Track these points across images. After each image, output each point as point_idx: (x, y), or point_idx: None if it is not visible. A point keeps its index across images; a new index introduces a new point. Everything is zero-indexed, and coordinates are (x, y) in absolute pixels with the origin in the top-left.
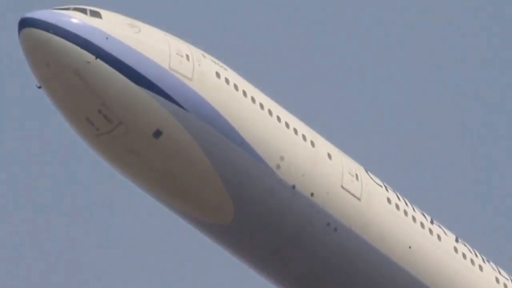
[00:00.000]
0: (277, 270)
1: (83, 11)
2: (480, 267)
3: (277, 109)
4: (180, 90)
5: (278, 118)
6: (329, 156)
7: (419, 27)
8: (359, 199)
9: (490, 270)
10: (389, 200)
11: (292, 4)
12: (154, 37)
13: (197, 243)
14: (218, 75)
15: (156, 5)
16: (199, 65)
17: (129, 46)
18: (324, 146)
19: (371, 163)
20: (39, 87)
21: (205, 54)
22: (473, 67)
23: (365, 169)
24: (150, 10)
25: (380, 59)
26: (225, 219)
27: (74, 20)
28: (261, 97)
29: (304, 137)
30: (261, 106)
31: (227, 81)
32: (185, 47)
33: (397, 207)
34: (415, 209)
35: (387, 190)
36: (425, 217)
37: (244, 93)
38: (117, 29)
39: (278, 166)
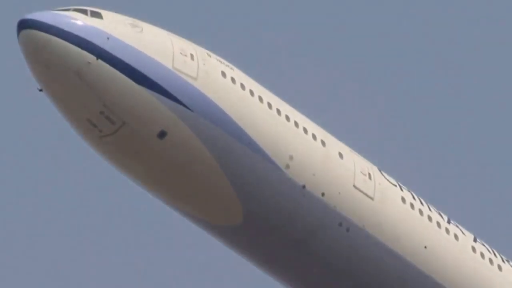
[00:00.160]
0: (287, 272)
1: (84, 11)
2: (499, 267)
3: (286, 108)
4: (184, 90)
5: (287, 117)
6: (341, 155)
7: (439, 22)
8: (372, 198)
9: (509, 269)
10: (403, 199)
11: (301, 1)
12: (157, 37)
13: (204, 244)
14: (224, 74)
15: (159, 6)
16: (203, 64)
17: (131, 46)
18: (335, 145)
19: (387, 163)
20: (41, 90)
21: (211, 53)
22: (488, 65)
23: (378, 169)
24: (153, 11)
25: (392, 56)
26: (234, 220)
27: (74, 20)
28: (269, 96)
29: (314, 136)
30: (269, 105)
31: (233, 80)
32: (189, 46)
33: (412, 206)
34: (431, 208)
35: (401, 189)
36: (441, 216)
37: (251, 92)
38: (118, 29)
39: (287, 166)
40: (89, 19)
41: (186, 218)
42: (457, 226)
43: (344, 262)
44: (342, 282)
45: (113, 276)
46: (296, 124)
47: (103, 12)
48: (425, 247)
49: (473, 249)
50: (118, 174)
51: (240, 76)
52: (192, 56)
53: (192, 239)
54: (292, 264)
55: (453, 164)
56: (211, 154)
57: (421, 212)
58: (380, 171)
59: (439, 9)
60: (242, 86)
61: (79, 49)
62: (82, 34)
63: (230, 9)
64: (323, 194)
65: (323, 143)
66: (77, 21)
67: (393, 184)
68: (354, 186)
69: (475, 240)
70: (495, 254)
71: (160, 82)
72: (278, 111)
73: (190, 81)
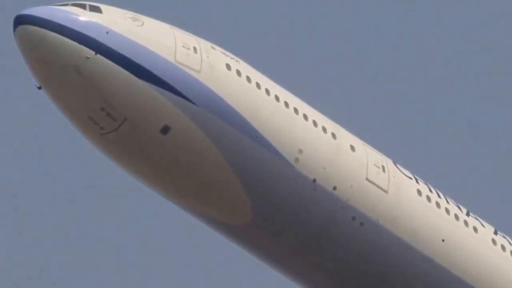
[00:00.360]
0: (300, 269)
1: (82, 6)
2: None
3: (294, 101)
4: (187, 83)
5: (296, 110)
6: (352, 148)
7: (453, 18)
8: (386, 191)
9: None
10: (419, 192)
11: None
12: (158, 30)
13: (210, 242)
14: (228, 67)
15: (162, 1)
16: (207, 57)
17: (131, 39)
18: (347, 138)
19: (406, 158)
20: (39, 88)
21: (215, 46)
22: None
23: (393, 162)
24: (155, 5)
25: (401, 51)
26: (243, 217)
27: (72, 15)
28: (276, 89)
29: (324, 129)
30: (277, 98)
31: (238, 73)
32: (192, 39)
33: (429, 199)
34: (449, 201)
35: (417, 182)
36: (460, 209)
37: (258, 85)
38: (118, 23)
39: (297, 160)
40: (88, 13)
41: (193, 216)
42: (476, 218)
43: (358, 258)
44: (357, 278)
45: (113, 276)
46: (305, 117)
47: (103, 6)
48: (443, 240)
49: (494, 241)
50: (121, 172)
51: (246, 68)
52: (195, 49)
53: (197, 237)
54: (305, 261)
55: (475, 158)
56: (217, 149)
57: (438, 204)
58: (395, 164)
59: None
60: (248, 79)
61: (77, 44)
62: (79, 29)
63: (235, 2)
64: (335, 188)
65: (333, 135)
66: (75, 16)
67: (408, 177)
68: (367, 179)
69: (495, 233)
70: None
71: (162, 76)
72: (286, 104)
73: (193, 74)
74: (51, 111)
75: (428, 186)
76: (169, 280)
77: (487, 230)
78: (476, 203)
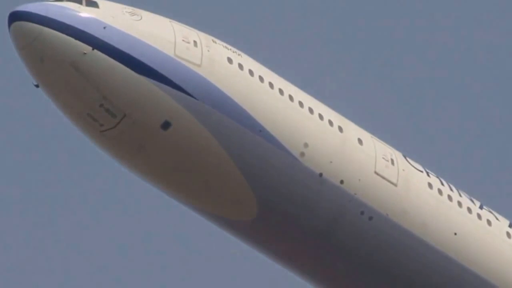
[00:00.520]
0: (307, 266)
1: (79, 1)
2: None
3: (299, 95)
4: (187, 78)
5: (300, 104)
6: (360, 141)
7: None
8: (395, 184)
9: None
10: (430, 185)
11: None
12: (157, 24)
13: (213, 239)
14: (230, 60)
15: None
16: (208, 50)
17: (129, 34)
18: (354, 131)
19: (417, 152)
20: (37, 86)
21: (216, 40)
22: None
23: (403, 155)
24: (154, 0)
25: (406, 44)
26: (249, 214)
27: (67, 10)
28: (280, 82)
29: (330, 123)
30: (281, 91)
31: (240, 66)
32: (192, 33)
33: (440, 192)
34: (462, 194)
35: (428, 175)
36: (473, 202)
37: (261, 79)
38: (116, 17)
39: (302, 154)
40: (84, 8)
41: (197, 213)
42: (490, 211)
43: (368, 253)
44: (367, 274)
45: (114, 275)
46: (310, 110)
47: (100, 1)
48: (455, 233)
49: (508, 234)
50: (122, 169)
51: (249, 62)
52: (195, 42)
53: (196, 238)
54: (313, 258)
55: (490, 151)
56: (220, 144)
57: (450, 198)
58: (405, 157)
59: None
60: (251, 72)
61: (73, 40)
62: (76, 24)
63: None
64: (342, 182)
65: (340, 129)
66: (71, 11)
67: (419, 170)
68: (375, 172)
69: (510, 226)
70: None
71: (160, 70)
72: (291, 97)
73: (193, 68)
74: (50, 109)
75: (440, 180)
76: (169, 280)
77: (501, 223)
78: (492, 197)
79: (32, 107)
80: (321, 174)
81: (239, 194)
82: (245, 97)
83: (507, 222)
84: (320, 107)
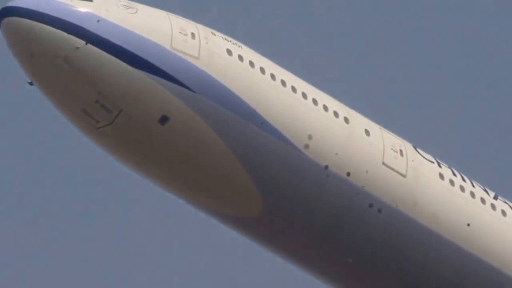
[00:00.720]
0: (316, 262)
1: None
2: None
3: (302, 86)
4: (185, 70)
5: (304, 95)
6: (367, 132)
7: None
8: (404, 176)
9: None
10: (441, 176)
11: None
12: (153, 17)
13: (216, 236)
14: (229, 52)
15: None
16: (206, 42)
17: (124, 27)
18: (361, 122)
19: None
20: (31, 83)
21: (215, 32)
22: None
23: (413, 146)
24: None
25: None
26: (253, 210)
27: (60, 4)
28: (282, 73)
29: (336, 114)
30: (283, 83)
31: (240, 58)
32: (190, 25)
33: (452, 182)
34: (475, 184)
35: (439, 166)
36: (487, 192)
37: (262, 70)
38: (110, 11)
39: (307, 146)
40: (77, 2)
41: (200, 210)
42: (505, 202)
43: (378, 247)
44: (377, 269)
45: (114, 274)
46: (314, 101)
47: None
48: (468, 224)
49: None
50: (120, 166)
51: (250, 53)
52: (193, 34)
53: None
54: (321, 253)
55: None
56: (220, 138)
57: (462, 188)
58: (415, 148)
59: None
60: (251, 64)
61: (65, 34)
62: (68, 18)
63: None
64: (348, 174)
65: (346, 120)
66: (63, 5)
67: (429, 161)
68: (383, 163)
69: None
70: None
71: (157, 63)
72: (294, 89)
73: (191, 60)
74: (45, 106)
75: (452, 170)
76: (169, 280)
77: None
78: (507, 187)
79: (28, 105)
80: (326, 167)
81: (242, 190)
82: (245, 89)
83: None
84: (325, 99)
